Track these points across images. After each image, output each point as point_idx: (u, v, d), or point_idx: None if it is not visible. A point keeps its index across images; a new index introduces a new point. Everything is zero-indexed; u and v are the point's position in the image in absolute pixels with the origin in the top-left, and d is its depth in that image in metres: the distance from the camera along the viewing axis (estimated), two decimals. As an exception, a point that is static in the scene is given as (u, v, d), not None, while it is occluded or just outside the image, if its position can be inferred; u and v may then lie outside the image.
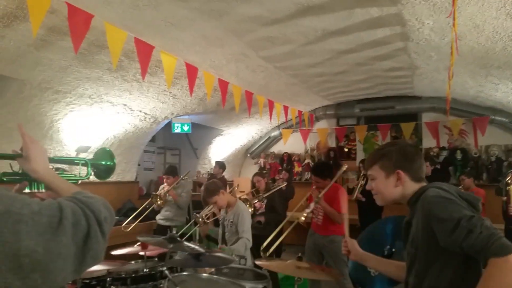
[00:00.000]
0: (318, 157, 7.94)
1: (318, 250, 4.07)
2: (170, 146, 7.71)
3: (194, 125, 7.15)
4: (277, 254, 4.86)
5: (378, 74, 5.47)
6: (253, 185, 5.02)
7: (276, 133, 8.14)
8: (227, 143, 7.63)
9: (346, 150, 7.76)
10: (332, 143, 7.92)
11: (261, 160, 8.36)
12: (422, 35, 3.78)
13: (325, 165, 4.41)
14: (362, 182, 6.07)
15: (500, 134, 6.46)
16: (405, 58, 4.58)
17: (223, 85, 4.70)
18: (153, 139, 7.55)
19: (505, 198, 3.58)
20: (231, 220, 3.41)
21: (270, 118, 5.87)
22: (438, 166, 6.79)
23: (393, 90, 6.63)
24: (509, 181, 3.63)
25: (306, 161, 7.92)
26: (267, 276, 2.59)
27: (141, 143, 5.77)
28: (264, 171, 6.51)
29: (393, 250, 2.24)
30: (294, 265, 2.23)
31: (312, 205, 3.67)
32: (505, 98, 5.54)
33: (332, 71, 5.28)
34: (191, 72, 3.94)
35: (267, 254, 3.28)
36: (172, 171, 4.99)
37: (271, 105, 5.79)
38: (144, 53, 3.13)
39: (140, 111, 5.10)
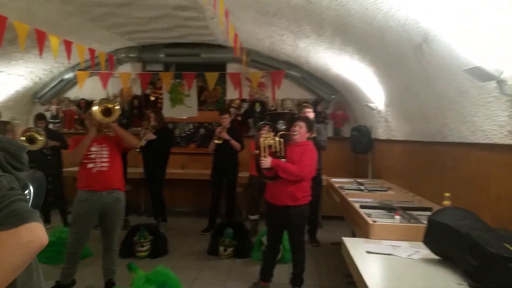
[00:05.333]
0: (121, 105, 7.15)
1: None
2: None
3: None
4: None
5: (168, 12, 4.90)
6: None
7: (70, 75, 6.97)
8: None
9: (152, 98, 7.16)
10: (138, 90, 7.22)
11: (53, 107, 7.13)
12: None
13: None
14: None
15: (293, 88, 6.77)
16: (185, -6, 4.10)
17: None
18: None
19: (257, 152, 3.50)
20: None
21: (40, 53, 4.78)
22: (239, 118, 6.83)
23: (196, 35, 6.22)
24: (264, 136, 3.55)
25: (107, 109, 7.05)
26: None
27: None
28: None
29: None
30: None
31: None
32: (293, 52, 5.66)
33: (112, 1, 4.48)
34: None
35: None
36: None
37: (40, 37, 4.68)
38: None
39: None
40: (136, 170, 6.33)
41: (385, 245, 2.44)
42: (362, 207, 3.32)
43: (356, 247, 2.42)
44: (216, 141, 5.35)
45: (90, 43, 5.96)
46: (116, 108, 3.16)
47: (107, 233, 3.25)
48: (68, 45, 5.34)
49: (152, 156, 5.48)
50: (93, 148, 3.24)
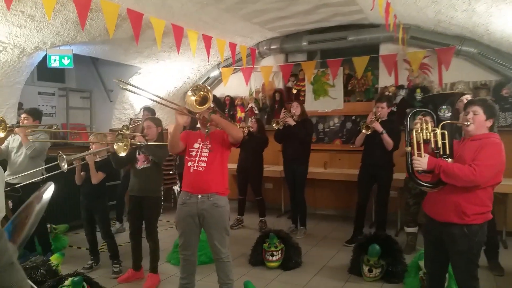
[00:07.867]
0: (263, 100, 6.86)
1: None
2: (76, 87, 6.47)
3: (103, 62, 6.07)
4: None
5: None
6: (142, 130, 3.99)
7: (216, 73, 7.01)
8: (151, 84, 6.50)
9: (294, 91, 6.63)
10: (280, 84, 6.81)
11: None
12: None
13: None
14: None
15: (467, 68, 5.29)
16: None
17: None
18: (61, 79, 6.51)
19: (409, 149, 2.50)
20: None
21: (178, 50, 4.71)
22: (394, 109, 5.72)
23: (342, 15, 5.42)
24: (417, 127, 2.51)
25: (250, 105, 6.83)
26: None
27: (14, 81, 4.68)
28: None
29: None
30: None
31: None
32: (468, 20, 4.33)
33: (244, -16, 4.09)
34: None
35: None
36: (35, 114, 4.00)
37: (177, 32, 4.61)
38: None
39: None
40: (276, 168, 5.95)
41: None
42: None
43: None
44: (364, 131, 4.41)
45: (232, 37, 5.76)
46: (210, 95, 2.72)
47: (210, 241, 2.85)
48: (207, 40, 5.20)
49: (292, 150, 4.98)
50: (195, 145, 2.89)
